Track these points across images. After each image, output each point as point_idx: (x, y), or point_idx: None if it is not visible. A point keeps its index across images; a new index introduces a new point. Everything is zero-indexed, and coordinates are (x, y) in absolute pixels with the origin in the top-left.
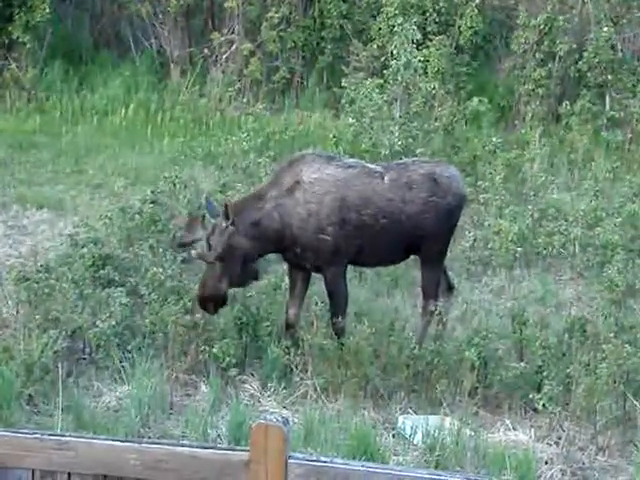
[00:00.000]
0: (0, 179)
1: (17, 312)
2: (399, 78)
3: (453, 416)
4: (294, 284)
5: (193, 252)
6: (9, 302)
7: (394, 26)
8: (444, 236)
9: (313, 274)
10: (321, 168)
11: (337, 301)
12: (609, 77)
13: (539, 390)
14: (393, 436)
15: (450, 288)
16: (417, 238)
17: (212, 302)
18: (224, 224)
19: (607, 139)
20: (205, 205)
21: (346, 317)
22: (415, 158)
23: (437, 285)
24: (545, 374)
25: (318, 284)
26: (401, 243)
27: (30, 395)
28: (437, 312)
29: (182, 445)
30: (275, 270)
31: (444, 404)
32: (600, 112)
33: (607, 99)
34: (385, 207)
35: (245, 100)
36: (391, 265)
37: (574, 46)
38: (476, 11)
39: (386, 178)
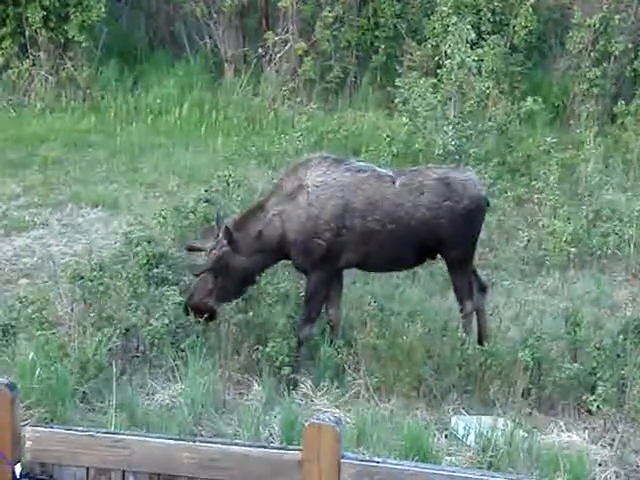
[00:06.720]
0: (55, 178)
1: (72, 310)
2: (453, 77)
3: (506, 417)
4: None
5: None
6: (64, 300)
7: (448, 25)
8: (465, 240)
9: (344, 272)
10: (327, 172)
11: (312, 306)
12: None
13: (593, 392)
14: (446, 436)
15: (483, 289)
16: (432, 243)
17: (199, 313)
18: (222, 243)
19: None
20: (216, 220)
21: (315, 325)
22: (430, 164)
23: (469, 285)
24: (599, 375)
25: (371, 283)
26: (412, 248)
27: (84, 393)
28: (490, 313)
29: (235, 444)
30: None
31: (497, 405)
32: None
33: None
34: (393, 212)
35: (299, 99)
36: (404, 270)
37: (630, 45)
38: (531, 10)
39: (397, 182)
